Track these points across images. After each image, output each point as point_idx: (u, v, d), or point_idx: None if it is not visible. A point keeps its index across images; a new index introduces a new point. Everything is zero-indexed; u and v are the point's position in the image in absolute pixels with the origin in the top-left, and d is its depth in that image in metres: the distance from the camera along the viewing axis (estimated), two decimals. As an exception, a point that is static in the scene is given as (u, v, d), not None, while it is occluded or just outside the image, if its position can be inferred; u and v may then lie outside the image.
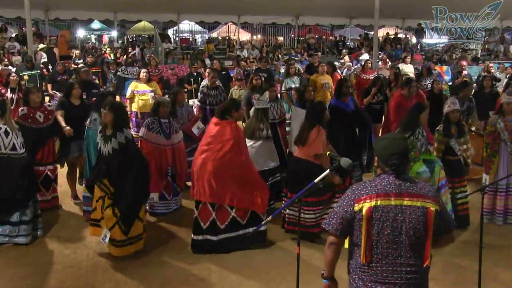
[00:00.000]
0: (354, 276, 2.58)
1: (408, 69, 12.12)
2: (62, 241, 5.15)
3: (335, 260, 2.63)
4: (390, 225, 2.45)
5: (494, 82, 9.58)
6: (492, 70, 11.71)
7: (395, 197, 2.47)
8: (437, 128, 5.56)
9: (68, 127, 5.91)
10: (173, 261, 4.70)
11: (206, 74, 9.12)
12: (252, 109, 6.01)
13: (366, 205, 2.47)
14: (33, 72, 9.92)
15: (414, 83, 6.94)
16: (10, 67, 11.61)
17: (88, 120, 5.68)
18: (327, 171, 3.04)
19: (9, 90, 7.75)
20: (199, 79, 10.11)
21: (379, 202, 2.46)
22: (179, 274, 4.47)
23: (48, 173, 5.89)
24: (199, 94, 8.60)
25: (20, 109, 5.86)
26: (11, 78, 7.86)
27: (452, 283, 4.34)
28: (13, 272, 4.49)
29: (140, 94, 8.65)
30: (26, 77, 9.72)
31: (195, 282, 4.35)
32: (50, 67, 12.35)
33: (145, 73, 8.83)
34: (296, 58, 16.26)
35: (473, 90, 9.55)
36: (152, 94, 8.69)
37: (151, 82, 8.95)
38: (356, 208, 2.49)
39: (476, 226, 5.21)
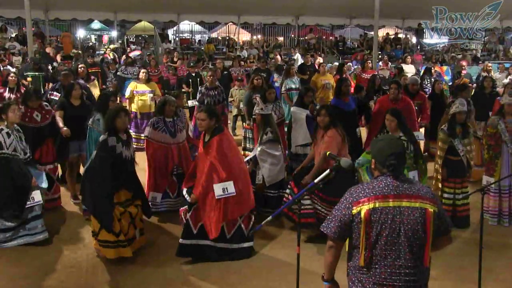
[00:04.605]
0: (353, 279, 2.57)
1: (409, 69, 12.11)
2: (62, 241, 5.16)
3: (335, 263, 2.63)
4: (389, 226, 2.44)
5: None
6: (490, 69, 11.69)
7: (393, 199, 2.46)
8: (441, 127, 5.56)
9: (65, 128, 5.90)
10: (173, 261, 4.69)
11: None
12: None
13: (364, 208, 2.45)
14: (37, 73, 9.89)
15: (393, 85, 6.83)
16: (9, 67, 11.60)
17: (91, 120, 5.67)
18: (327, 171, 3.04)
19: (7, 89, 7.73)
20: (198, 79, 10.08)
21: (377, 204, 2.45)
22: (179, 274, 4.47)
23: (49, 172, 5.88)
24: (198, 94, 8.52)
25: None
26: (10, 78, 7.84)
27: (452, 283, 4.34)
28: (13, 272, 4.49)
29: (140, 94, 8.65)
30: (29, 79, 9.69)
31: (195, 282, 4.35)
32: (50, 67, 12.32)
33: (144, 73, 8.83)
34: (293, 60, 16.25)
35: (473, 91, 9.53)
36: (151, 94, 8.69)
37: (150, 83, 8.94)
38: (354, 211, 2.48)
39: (476, 226, 5.21)
